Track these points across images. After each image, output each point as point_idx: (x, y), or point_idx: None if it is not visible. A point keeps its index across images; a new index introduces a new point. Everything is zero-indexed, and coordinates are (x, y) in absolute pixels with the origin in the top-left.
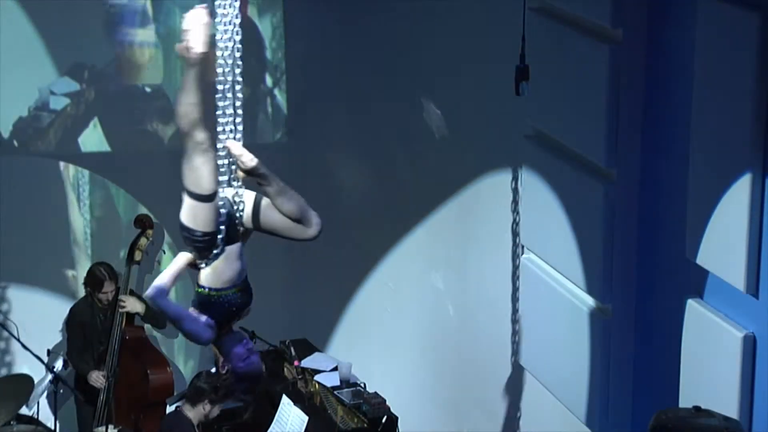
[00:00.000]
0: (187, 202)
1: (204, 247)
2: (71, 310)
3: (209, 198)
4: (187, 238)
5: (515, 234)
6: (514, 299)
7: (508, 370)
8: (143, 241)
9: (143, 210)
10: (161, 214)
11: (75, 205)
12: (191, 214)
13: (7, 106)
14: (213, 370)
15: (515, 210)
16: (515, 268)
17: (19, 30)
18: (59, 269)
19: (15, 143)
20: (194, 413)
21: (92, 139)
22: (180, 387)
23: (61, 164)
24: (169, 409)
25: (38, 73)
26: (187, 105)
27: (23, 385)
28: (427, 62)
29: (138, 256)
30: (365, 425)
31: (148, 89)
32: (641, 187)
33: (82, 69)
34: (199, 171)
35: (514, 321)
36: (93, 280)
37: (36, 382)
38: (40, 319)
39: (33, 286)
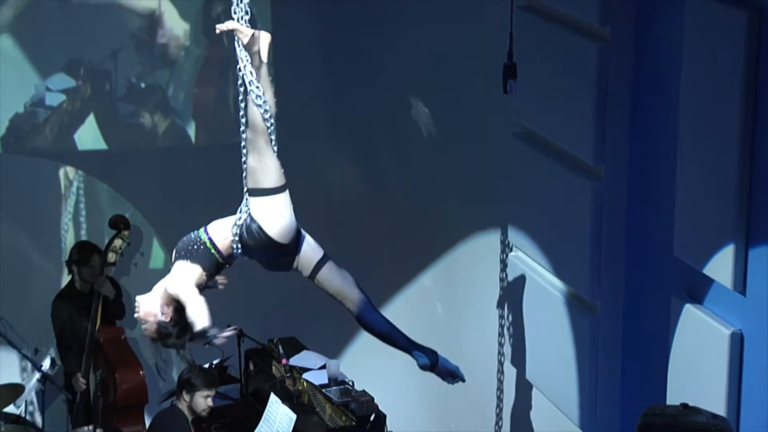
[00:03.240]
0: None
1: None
2: (55, 302)
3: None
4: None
5: (503, 232)
6: (503, 297)
7: (496, 368)
8: (118, 242)
9: (137, 209)
10: (158, 211)
11: (70, 202)
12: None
13: (3, 102)
14: (207, 365)
15: (503, 208)
16: (503, 265)
17: (16, 26)
18: (50, 266)
19: (11, 139)
20: (183, 406)
21: (88, 135)
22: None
23: (58, 161)
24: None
25: (35, 69)
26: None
27: (15, 393)
28: (414, 60)
29: (112, 257)
30: (353, 423)
31: (143, 85)
32: (629, 184)
33: (79, 65)
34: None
35: (503, 319)
36: (80, 253)
37: (24, 381)
38: (29, 317)
39: (24, 284)
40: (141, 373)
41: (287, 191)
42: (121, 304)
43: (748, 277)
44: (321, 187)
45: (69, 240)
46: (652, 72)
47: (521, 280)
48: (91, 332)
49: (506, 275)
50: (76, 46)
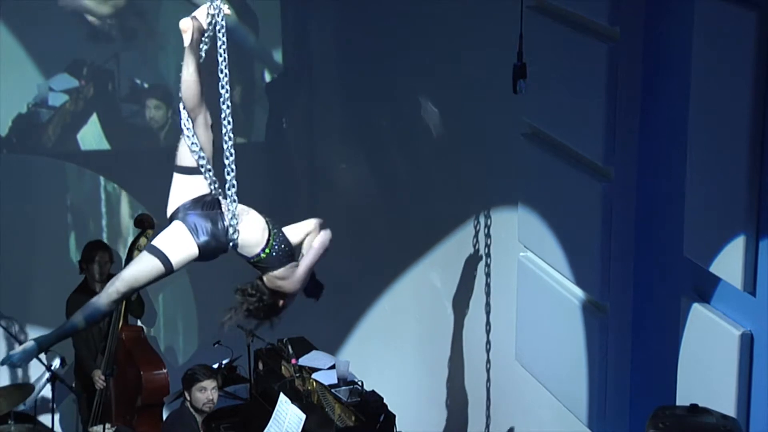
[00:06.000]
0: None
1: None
2: (69, 301)
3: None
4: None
5: (513, 232)
6: (512, 297)
7: (505, 368)
8: (143, 241)
9: (144, 208)
10: (162, 211)
11: (74, 202)
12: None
13: (6, 103)
14: (216, 365)
15: (513, 208)
16: (513, 266)
17: (19, 26)
18: (57, 266)
19: (14, 140)
20: (190, 406)
21: (91, 135)
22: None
23: (60, 161)
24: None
25: (38, 70)
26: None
27: (24, 393)
28: (424, 60)
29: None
30: (363, 423)
31: (146, 85)
32: (639, 185)
33: (81, 65)
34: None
35: (512, 319)
36: (86, 250)
37: (34, 380)
38: (38, 316)
39: (31, 284)
40: (164, 371)
41: (181, 175)
42: (142, 302)
43: (758, 278)
44: (330, 186)
45: (74, 240)
46: (661, 72)
47: (531, 280)
48: (113, 330)
49: (516, 276)
50: (80, 46)
